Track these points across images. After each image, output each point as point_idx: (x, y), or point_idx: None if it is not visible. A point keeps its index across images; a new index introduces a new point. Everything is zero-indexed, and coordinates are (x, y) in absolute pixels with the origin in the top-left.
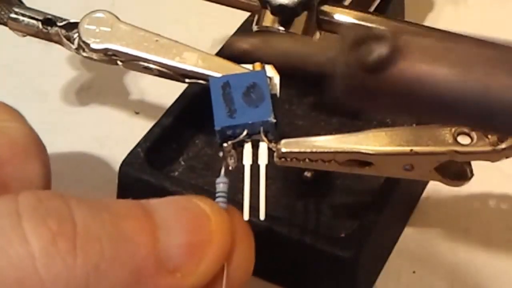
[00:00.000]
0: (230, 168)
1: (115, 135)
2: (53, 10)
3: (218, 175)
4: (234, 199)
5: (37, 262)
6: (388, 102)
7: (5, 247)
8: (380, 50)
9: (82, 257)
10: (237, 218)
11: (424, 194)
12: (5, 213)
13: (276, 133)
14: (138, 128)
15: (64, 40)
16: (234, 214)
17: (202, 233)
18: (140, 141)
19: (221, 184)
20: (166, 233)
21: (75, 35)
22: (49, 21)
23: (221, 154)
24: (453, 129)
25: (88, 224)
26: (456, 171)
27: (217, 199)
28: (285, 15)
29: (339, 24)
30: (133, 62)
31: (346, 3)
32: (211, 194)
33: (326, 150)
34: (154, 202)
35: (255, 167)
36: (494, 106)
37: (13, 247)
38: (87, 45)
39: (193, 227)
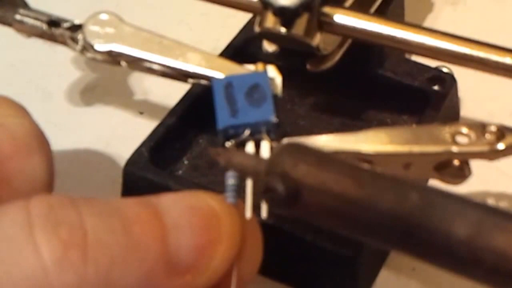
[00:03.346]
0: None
1: (120, 135)
2: (57, 11)
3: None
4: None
5: (49, 274)
6: (308, 220)
7: (18, 259)
8: (280, 194)
9: (93, 266)
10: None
11: None
12: (17, 222)
13: (278, 133)
14: (142, 128)
15: (69, 41)
16: (243, 209)
17: (211, 233)
18: (144, 140)
19: (230, 178)
20: (176, 235)
21: (80, 36)
22: (53, 22)
23: None
24: (451, 129)
25: (99, 231)
26: (454, 170)
27: (227, 194)
28: (287, 17)
29: (341, 26)
30: (137, 63)
31: (347, 4)
32: (214, 193)
33: (327, 150)
34: (164, 200)
35: None
36: (379, 218)
37: (26, 259)
38: (91, 46)
39: (203, 227)
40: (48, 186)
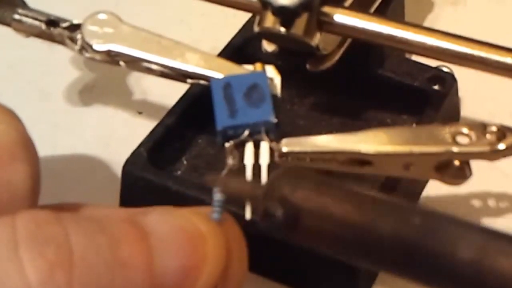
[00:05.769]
0: (232, 167)
1: (118, 135)
2: (56, 11)
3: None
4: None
5: None
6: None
7: (3, 279)
8: (279, 219)
9: None
10: (231, 228)
11: (424, 193)
12: (3, 240)
13: (277, 133)
14: (141, 128)
15: (67, 41)
16: (228, 224)
17: (197, 254)
18: (143, 140)
19: (217, 193)
20: (162, 256)
21: (78, 36)
22: (52, 22)
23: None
24: (451, 129)
25: (85, 250)
26: (455, 170)
27: (213, 209)
28: (286, 16)
29: (340, 26)
30: (135, 63)
31: (347, 4)
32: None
33: (326, 150)
34: (151, 219)
35: (256, 166)
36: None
37: (11, 279)
38: (90, 46)
39: (189, 249)
40: (32, 195)
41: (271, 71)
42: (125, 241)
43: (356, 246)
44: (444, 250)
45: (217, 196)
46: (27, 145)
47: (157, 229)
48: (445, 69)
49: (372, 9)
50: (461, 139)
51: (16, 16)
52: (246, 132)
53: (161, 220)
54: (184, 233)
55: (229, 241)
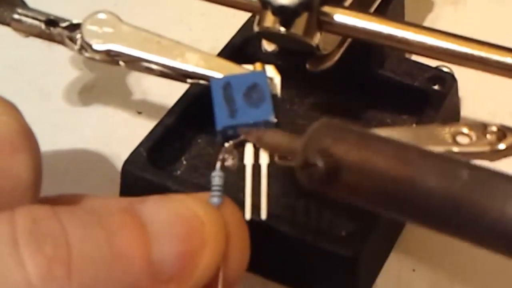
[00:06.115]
0: (231, 167)
1: (118, 134)
2: (56, 10)
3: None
4: (236, 198)
5: None
6: (342, 198)
7: (4, 274)
8: (320, 170)
9: (77, 281)
10: (232, 212)
11: None
12: (3, 237)
13: None
14: (141, 127)
15: (67, 40)
16: (229, 208)
17: (195, 241)
18: (142, 140)
19: (216, 177)
20: (160, 243)
21: (78, 36)
22: (51, 22)
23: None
24: (452, 129)
25: (83, 244)
26: None
27: (212, 193)
28: (286, 16)
29: (340, 25)
30: (135, 63)
31: (347, 3)
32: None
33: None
34: (147, 207)
35: (256, 166)
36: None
37: (12, 274)
38: (90, 45)
39: (187, 235)
40: (34, 185)
41: (271, 71)
42: (122, 232)
43: (400, 201)
44: (493, 206)
45: (216, 180)
46: (29, 136)
47: (153, 216)
48: (445, 69)
49: (372, 9)
50: (461, 139)
51: (16, 16)
52: None
53: (158, 207)
54: (181, 219)
55: (229, 225)
